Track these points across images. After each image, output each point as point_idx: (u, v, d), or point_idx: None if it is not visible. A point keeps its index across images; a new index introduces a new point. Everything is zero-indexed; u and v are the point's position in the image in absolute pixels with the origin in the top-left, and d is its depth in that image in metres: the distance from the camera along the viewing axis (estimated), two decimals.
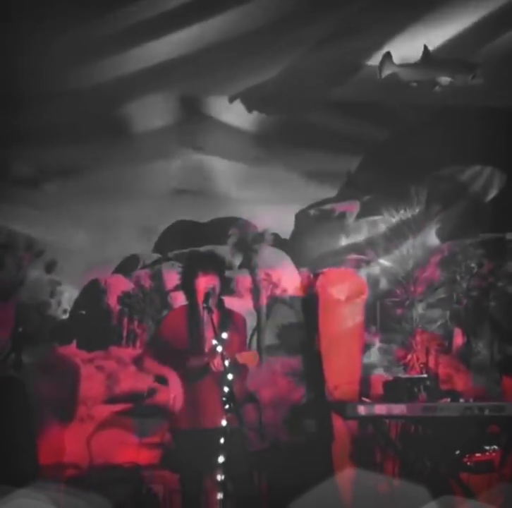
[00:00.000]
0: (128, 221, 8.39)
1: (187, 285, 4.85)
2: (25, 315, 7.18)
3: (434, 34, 8.23)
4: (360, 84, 8.79)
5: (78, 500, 4.94)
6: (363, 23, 8.17)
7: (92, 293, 7.84)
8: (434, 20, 8.17)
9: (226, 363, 4.45)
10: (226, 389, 4.39)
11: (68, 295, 7.88)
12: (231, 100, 9.02)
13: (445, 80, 8.28)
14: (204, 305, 4.69)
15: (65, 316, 7.76)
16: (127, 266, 8.28)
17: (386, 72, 8.33)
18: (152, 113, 8.72)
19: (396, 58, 8.31)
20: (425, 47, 8.12)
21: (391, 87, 8.67)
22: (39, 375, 6.41)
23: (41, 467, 5.32)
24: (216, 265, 4.85)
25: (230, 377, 4.41)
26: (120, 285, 7.82)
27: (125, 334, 7.49)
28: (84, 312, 7.76)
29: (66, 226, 8.14)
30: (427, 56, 8.19)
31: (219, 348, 4.51)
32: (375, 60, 8.45)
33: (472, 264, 7.57)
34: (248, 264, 8.19)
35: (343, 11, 8.10)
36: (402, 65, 8.30)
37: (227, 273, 5.13)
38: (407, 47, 8.27)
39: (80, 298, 7.93)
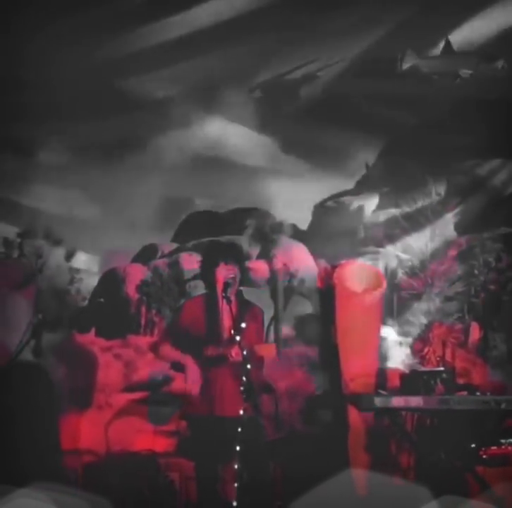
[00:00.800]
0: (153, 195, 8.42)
1: (207, 274, 4.87)
2: (45, 303, 7.24)
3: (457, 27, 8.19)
4: (381, 75, 8.77)
5: (78, 500, 4.98)
6: (383, 16, 8.15)
7: (111, 281, 7.89)
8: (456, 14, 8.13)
9: (244, 353, 4.48)
10: (244, 379, 4.42)
11: (87, 283, 7.94)
12: (252, 90, 9.02)
13: (466, 72, 8.24)
14: (223, 294, 4.71)
15: (84, 304, 7.82)
16: (145, 255, 8.33)
17: (407, 64, 8.31)
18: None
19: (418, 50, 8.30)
20: (446, 39, 8.09)
21: (410, 79, 8.65)
22: (58, 361, 6.46)
23: (63, 452, 5.38)
24: (237, 255, 4.87)
25: (248, 367, 4.44)
26: (139, 274, 7.86)
27: (143, 322, 7.54)
28: (102, 300, 7.81)
29: (87, 210, 8.19)
30: (448, 48, 8.16)
31: (237, 338, 4.54)
32: (395, 52, 8.44)
33: (490, 258, 7.54)
34: (266, 255, 8.21)
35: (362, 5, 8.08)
36: (423, 58, 8.28)
37: (245, 263, 5.15)
38: (429, 39, 8.25)
39: (98, 286, 7.98)
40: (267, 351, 4.66)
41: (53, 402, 5.34)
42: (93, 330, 7.31)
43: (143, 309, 7.57)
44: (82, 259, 7.99)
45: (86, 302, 7.87)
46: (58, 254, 7.78)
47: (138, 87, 8.73)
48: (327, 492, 5.33)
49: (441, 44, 8.38)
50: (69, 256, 7.83)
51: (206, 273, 4.89)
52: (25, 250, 7.58)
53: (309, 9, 8.30)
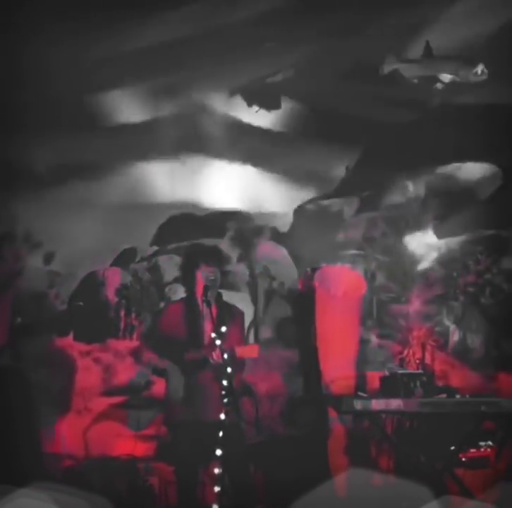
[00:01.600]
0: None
1: (187, 278, 4.86)
2: (23, 306, 7.18)
3: (438, 32, 8.25)
4: (361, 79, 8.81)
5: (79, 500, 4.95)
6: (367, 20, 8.19)
7: (90, 285, 7.85)
8: (438, 18, 8.19)
9: (225, 356, 4.47)
10: (224, 383, 4.41)
11: (66, 287, 7.89)
12: (232, 93, 9.02)
13: (446, 76, 8.30)
14: (204, 298, 4.70)
15: (63, 307, 7.77)
16: (125, 258, 8.30)
17: (388, 68, 8.35)
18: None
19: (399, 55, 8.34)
20: (427, 44, 8.14)
21: (391, 83, 8.70)
22: (37, 365, 6.41)
23: (44, 456, 5.33)
24: (217, 259, 4.86)
25: (229, 370, 4.44)
26: (118, 277, 7.82)
27: (122, 326, 7.50)
28: (81, 303, 7.76)
29: (65, 216, 8.15)
30: (429, 53, 8.21)
31: (218, 342, 4.53)
32: (377, 56, 8.47)
33: (469, 261, 7.59)
34: (246, 258, 8.20)
35: (347, 9, 8.11)
36: (404, 62, 8.32)
37: (226, 266, 5.14)
38: (410, 44, 8.30)
39: (77, 290, 7.93)
40: (249, 351, 4.65)
41: (32, 406, 5.29)
42: (72, 334, 7.26)
43: (122, 313, 7.53)
44: (60, 263, 7.95)
45: (65, 306, 7.82)
46: (36, 257, 7.73)
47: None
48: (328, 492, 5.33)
49: (421, 48, 8.44)
50: (48, 260, 7.78)
51: (187, 276, 4.88)
52: (3, 253, 7.51)
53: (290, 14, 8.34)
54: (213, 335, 4.59)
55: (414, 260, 7.37)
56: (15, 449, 5.09)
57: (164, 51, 8.72)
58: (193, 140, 8.99)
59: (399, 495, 5.16)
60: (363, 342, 6.72)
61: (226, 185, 9.06)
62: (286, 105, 9.30)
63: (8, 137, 7.96)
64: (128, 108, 8.86)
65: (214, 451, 4.47)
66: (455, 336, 7.22)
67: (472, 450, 5.43)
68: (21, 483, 4.79)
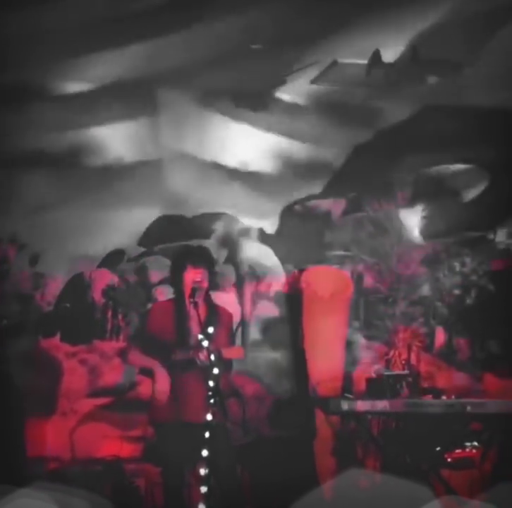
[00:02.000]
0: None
1: (175, 278, 4.85)
2: (9, 308, 7.15)
3: (422, 33, 8.27)
4: (347, 81, 8.82)
5: (79, 500, 4.94)
6: (350, 21, 8.19)
7: (77, 286, 7.82)
8: (423, 18, 8.21)
9: (212, 357, 4.47)
10: (211, 384, 4.41)
11: (52, 288, 7.85)
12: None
13: (431, 78, 8.34)
14: (191, 299, 4.69)
15: (49, 309, 7.73)
16: (112, 259, 8.26)
17: (374, 70, 8.37)
18: None
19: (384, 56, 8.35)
20: (413, 46, 8.16)
21: (377, 85, 8.71)
22: (22, 367, 6.38)
23: (27, 459, 5.31)
24: (205, 260, 4.86)
25: (216, 371, 4.43)
26: (105, 278, 7.80)
27: (109, 327, 7.47)
28: (68, 305, 7.73)
29: (50, 217, 8.11)
30: (415, 55, 8.23)
31: (205, 343, 4.52)
32: (363, 57, 8.48)
33: (455, 263, 7.63)
34: (233, 259, 8.20)
35: (331, 9, 8.11)
36: (389, 64, 8.34)
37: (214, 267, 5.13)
38: (396, 45, 8.31)
39: (64, 291, 7.90)
40: (235, 353, 4.65)
41: (17, 408, 5.26)
42: (58, 335, 7.23)
43: (109, 314, 7.51)
44: (46, 264, 7.91)
45: (51, 307, 7.78)
46: (22, 259, 7.69)
47: None
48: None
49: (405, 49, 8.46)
50: (33, 261, 7.74)
51: (175, 277, 4.87)
52: None
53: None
54: (200, 336, 4.58)
55: (400, 261, 7.39)
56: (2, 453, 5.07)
57: None
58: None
59: (388, 496, 5.18)
60: (350, 343, 6.74)
61: (212, 185, 9.05)
62: (272, 105, 9.31)
63: None
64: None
65: (201, 452, 4.46)
66: (440, 338, 7.25)
67: (457, 451, 5.46)
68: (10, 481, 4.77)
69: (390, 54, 8.50)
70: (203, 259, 4.83)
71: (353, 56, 8.67)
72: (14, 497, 4.63)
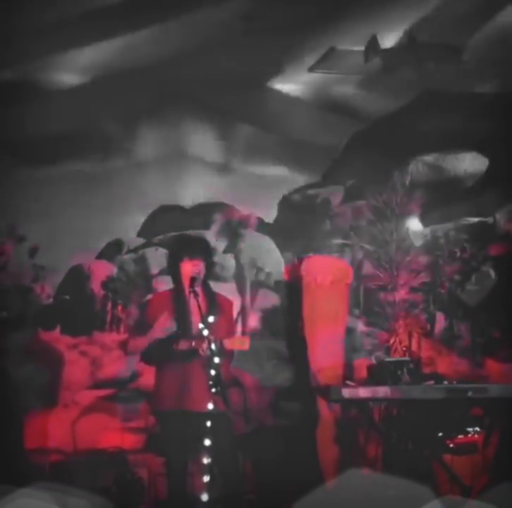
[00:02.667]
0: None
1: (174, 269, 4.84)
2: (9, 300, 7.14)
3: (420, 19, 8.24)
4: (346, 69, 8.80)
5: (80, 500, 4.94)
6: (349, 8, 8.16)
7: (76, 278, 7.81)
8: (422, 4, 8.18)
9: (213, 346, 4.46)
10: (212, 373, 4.40)
11: (52, 281, 7.85)
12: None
13: (429, 64, 8.31)
14: (191, 289, 4.68)
15: (49, 301, 7.73)
16: (111, 251, 8.26)
17: (371, 57, 8.33)
18: None
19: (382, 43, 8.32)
20: (410, 31, 8.13)
21: (374, 72, 8.68)
22: (23, 360, 6.38)
23: (27, 452, 5.31)
24: (203, 249, 4.84)
25: (217, 360, 4.42)
26: (104, 270, 7.79)
27: (108, 319, 7.47)
28: (67, 297, 7.73)
29: (50, 209, 8.11)
30: (412, 41, 8.20)
31: (206, 332, 4.51)
32: (359, 45, 8.45)
33: (455, 249, 7.62)
34: (233, 249, 8.19)
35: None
36: (387, 50, 8.30)
37: (212, 257, 5.11)
38: (394, 31, 8.28)
39: (63, 283, 7.90)
40: (240, 343, 4.62)
41: (17, 401, 5.26)
42: (58, 327, 7.23)
43: (109, 305, 7.51)
44: (46, 256, 7.90)
45: (50, 299, 7.78)
46: (21, 251, 7.68)
47: None
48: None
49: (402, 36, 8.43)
50: (32, 253, 7.73)
51: (173, 268, 4.85)
52: None
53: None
54: (201, 326, 4.57)
55: (400, 248, 7.38)
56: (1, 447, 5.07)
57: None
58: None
59: (388, 496, 5.17)
60: (350, 331, 6.73)
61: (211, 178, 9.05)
62: (269, 97, 9.30)
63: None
64: None
65: (203, 441, 4.46)
66: (441, 324, 7.25)
67: (459, 436, 5.44)
68: (10, 481, 4.76)
69: (388, 41, 8.47)
70: (200, 250, 4.80)
71: (351, 43, 8.64)
72: (14, 496, 4.62)
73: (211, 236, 8.07)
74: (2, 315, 5.98)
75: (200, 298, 4.66)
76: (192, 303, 4.69)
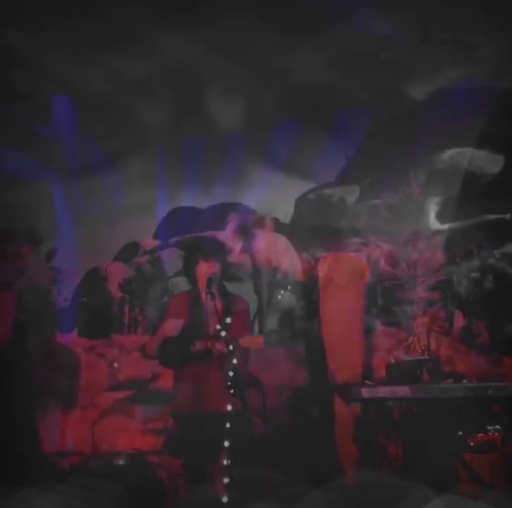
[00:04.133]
0: None
1: (189, 271, 4.85)
2: (26, 304, 7.17)
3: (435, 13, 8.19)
4: (358, 66, 8.77)
5: (81, 501, 4.95)
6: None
7: (93, 280, 7.84)
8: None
9: (230, 347, 4.46)
10: (230, 374, 4.40)
11: (69, 283, 7.88)
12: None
13: (444, 60, 8.26)
14: (207, 290, 4.68)
15: (67, 304, 7.76)
16: (127, 253, 8.28)
17: (385, 54, 8.30)
18: None
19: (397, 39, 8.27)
20: (425, 27, 8.09)
21: (389, 70, 8.64)
22: (41, 363, 6.40)
23: (45, 455, 5.32)
24: (217, 251, 4.85)
25: (234, 361, 4.42)
26: (121, 272, 7.81)
27: (126, 321, 7.49)
28: (85, 299, 7.76)
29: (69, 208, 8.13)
30: (427, 37, 8.16)
31: (223, 333, 4.51)
32: (375, 42, 8.42)
33: (472, 246, 7.57)
34: (248, 249, 8.18)
35: None
36: (401, 47, 8.27)
37: (227, 258, 5.12)
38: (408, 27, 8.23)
39: (80, 286, 7.92)
40: (255, 342, 4.63)
41: (32, 404, 5.29)
42: (76, 330, 7.26)
43: (126, 308, 7.52)
44: (62, 259, 7.93)
45: (68, 302, 7.81)
46: (39, 254, 7.71)
47: None
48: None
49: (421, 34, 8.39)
50: (49, 256, 7.76)
51: (189, 270, 4.86)
52: (4, 251, 7.49)
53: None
54: (218, 326, 4.57)
55: (417, 246, 7.35)
56: (18, 449, 5.08)
57: None
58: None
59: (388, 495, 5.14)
60: (368, 330, 6.70)
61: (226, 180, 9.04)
62: (282, 95, 9.27)
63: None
64: None
65: (222, 442, 4.45)
66: (459, 322, 7.20)
67: (479, 435, 5.41)
68: (25, 483, 4.77)
69: (403, 37, 8.43)
70: (214, 252, 4.82)
71: (365, 39, 8.61)
72: (18, 497, 4.62)
73: (227, 236, 8.07)
74: (20, 318, 6.00)
75: (217, 299, 4.66)
76: (209, 304, 4.69)
